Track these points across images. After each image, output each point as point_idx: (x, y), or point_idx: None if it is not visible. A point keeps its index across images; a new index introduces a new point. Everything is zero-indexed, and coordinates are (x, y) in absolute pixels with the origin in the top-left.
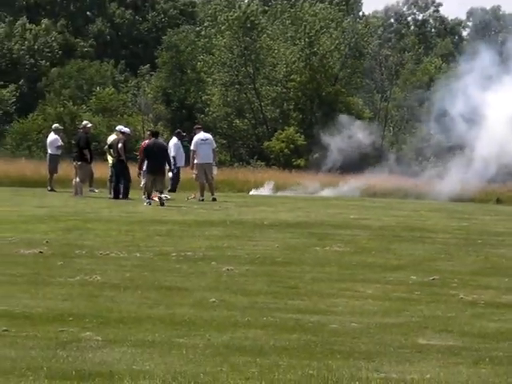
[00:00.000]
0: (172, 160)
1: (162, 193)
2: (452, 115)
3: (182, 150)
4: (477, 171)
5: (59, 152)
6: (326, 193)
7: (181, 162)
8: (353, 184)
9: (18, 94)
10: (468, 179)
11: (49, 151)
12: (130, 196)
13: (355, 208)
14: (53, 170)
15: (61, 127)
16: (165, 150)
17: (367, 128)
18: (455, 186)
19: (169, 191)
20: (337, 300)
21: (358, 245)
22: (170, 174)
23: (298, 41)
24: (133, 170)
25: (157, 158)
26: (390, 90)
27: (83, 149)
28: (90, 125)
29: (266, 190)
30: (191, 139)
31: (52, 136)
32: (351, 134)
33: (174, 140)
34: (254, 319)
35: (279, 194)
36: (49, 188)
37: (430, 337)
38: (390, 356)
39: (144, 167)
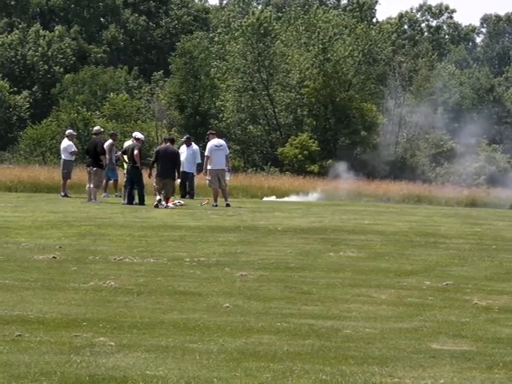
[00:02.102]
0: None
1: (166, 198)
2: None
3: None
4: None
5: (73, 158)
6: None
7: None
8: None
9: (31, 100)
10: None
11: (62, 157)
12: (145, 202)
13: (369, 213)
14: (66, 175)
15: (74, 133)
16: (175, 155)
17: None
18: None
19: (181, 197)
20: (351, 305)
21: (372, 250)
22: (178, 181)
23: (311, 47)
24: (145, 174)
25: (166, 162)
26: (403, 96)
27: (100, 154)
28: (102, 130)
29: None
30: (205, 145)
31: (66, 142)
32: None
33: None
34: (268, 324)
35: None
36: (62, 194)
37: (443, 342)
38: (404, 361)
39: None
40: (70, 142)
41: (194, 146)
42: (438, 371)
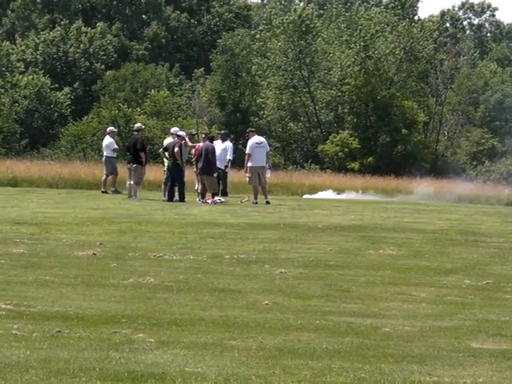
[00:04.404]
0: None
1: (216, 195)
2: None
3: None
4: None
5: (115, 154)
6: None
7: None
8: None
9: (72, 97)
10: None
11: (105, 154)
12: (186, 199)
13: (409, 211)
14: (111, 172)
15: (115, 130)
16: (211, 153)
17: None
18: None
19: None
20: (390, 303)
21: (412, 248)
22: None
23: (353, 44)
24: (187, 172)
25: (204, 159)
26: (444, 93)
27: (140, 151)
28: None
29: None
30: (245, 142)
31: (108, 139)
32: None
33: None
34: (307, 322)
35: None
36: (112, 189)
37: (483, 341)
38: (443, 360)
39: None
40: (112, 139)
41: (228, 143)
42: (478, 370)
